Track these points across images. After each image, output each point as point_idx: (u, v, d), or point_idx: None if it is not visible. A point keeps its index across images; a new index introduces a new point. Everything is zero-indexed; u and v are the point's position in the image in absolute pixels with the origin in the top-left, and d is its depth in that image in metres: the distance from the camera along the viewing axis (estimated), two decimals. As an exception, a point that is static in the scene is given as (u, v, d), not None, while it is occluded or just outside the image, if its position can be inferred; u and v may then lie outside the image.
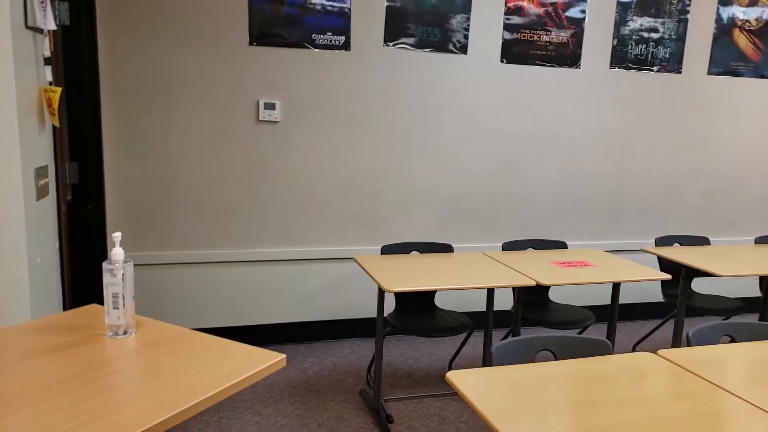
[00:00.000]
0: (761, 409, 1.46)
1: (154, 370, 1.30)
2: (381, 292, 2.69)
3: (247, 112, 3.29)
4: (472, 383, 1.56)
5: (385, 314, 2.92)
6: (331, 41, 3.34)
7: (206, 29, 3.16)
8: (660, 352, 1.82)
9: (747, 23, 4.10)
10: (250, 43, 3.23)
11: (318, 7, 3.28)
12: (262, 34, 3.23)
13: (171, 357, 1.36)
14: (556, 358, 1.80)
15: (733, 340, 2.01)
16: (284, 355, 1.35)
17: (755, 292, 3.69)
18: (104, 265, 1.52)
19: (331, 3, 3.29)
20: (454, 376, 1.60)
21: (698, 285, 3.65)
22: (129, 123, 3.15)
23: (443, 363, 3.41)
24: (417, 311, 3.04)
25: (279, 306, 3.54)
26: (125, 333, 1.53)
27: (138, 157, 3.19)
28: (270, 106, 3.30)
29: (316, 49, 3.33)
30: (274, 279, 3.49)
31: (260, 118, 3.31)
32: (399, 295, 3.05)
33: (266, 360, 1.32)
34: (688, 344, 1.95)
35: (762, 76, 4.21)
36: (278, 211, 3.43)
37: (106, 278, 1.51)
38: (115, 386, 1.22)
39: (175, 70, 3.13)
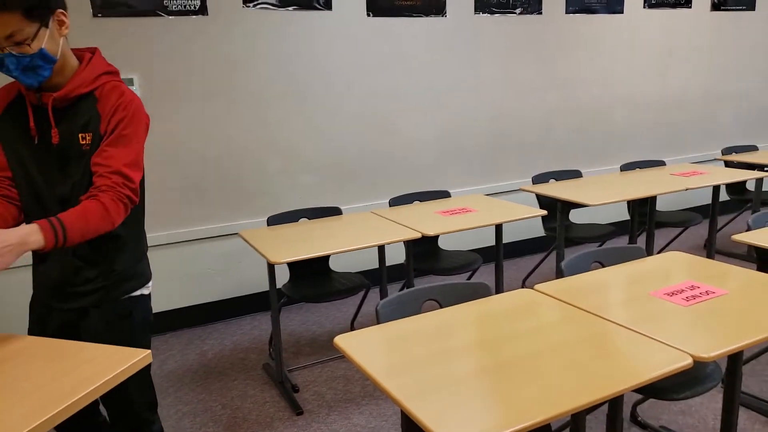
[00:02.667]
0: (625, 327, 1.58)
1: (1, 386, 1.17)
2: (270, 265, 2.62)
3: (102, 91, 3.02)
4: (360, 344, 1.56)
5: (281, 285, 2.87)
6: (185, 6, 3.11)
7: (39, 2, 2.83)
8: (536, 286, 1.91)
9: (598, -39, 4.29)
10: (94, 15, 2.94)
11: (165, -30, 3.03)
12: (106, 4, 2.95)
13: (20, 370, 1.23)
14: (441, 307, 1.85)
15: (602, 265, 2.15)
16: (149, 351, 1.26)
17: (625, 215, 4.00)
18: None
19: (179, -36, 3.06)
20: (341, 340, 1.60)
21: (576, 216, 3.89)
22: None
23: (346, 324, 3.43)
24: (312, 278, 3.01)
25: (169, 291, 3.38)
26: None
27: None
28: (128, 82, 3.04)
29: (170, 16, 3.09)
30: (160, 264, 3.29)
31: (118, 96, 3.05)
32: (292, 265, 3.00)
33: (128, 359, 1.22)
34: (561, 275, 2.07)
35: (613, 12, 4.45)
36: (152, 193, 3.22)
37: None
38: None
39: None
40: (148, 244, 1.79)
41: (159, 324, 3.38)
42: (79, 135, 1.52)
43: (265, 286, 3.55)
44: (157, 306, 3.34)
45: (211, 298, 3.51)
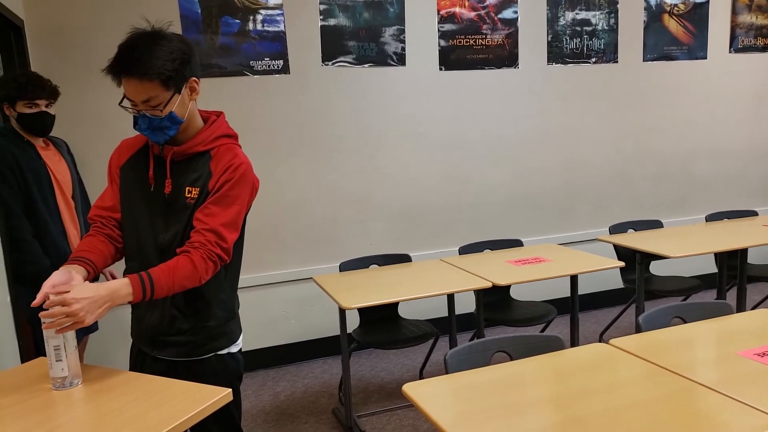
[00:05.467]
0: (709, 387, 1.49)
1: (98, 419, 1.28)
2: (342, 310, 2.68)
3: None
4: (428, 394, 1.57)
5: (351, 330, 2.92)
6: (269, 66, 3.33)
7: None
8: (612, 341, 1.85)
9: (675, 7, 4.23)
10: (188, 74, 3.21)
11: (254, 35, 3.27)
12: (200, 65, 3.21)
13: (115, 403, 1.33)
14: (512, 359, 1.82)
15: (684, 321, 2.05)
16: (229, 390, 1.33)
17: (712, 268, 3.78)
18: (42, 317, 1.46)
19: (265, 29, 3.29)
20: (410, 389, 1.61)
21: (657, 267, 3.72)
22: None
23: (415, 372, 3.41)
24: (381, 324, 3.03)
25: (245, 333, 3.48)
26: (71, 384, 1.48)
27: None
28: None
29: (255, 76, 3.32)
30: (237, 307, 3.45)
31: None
32: (362, 310, 3.05)
33: (210, 397, 1.30)
34: (639, 330, 1.99)
35: (695, 58, 4.34)
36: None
37: (46, 332, 1.46)
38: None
39: (112, 110, 3.08)
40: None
41: (235, 365, 3.49)
42: (186, 188, 1.59)
43: (336, 331, 3.60)
44: (234, 347, 3.47)
45: (284, 341, 3.60)
